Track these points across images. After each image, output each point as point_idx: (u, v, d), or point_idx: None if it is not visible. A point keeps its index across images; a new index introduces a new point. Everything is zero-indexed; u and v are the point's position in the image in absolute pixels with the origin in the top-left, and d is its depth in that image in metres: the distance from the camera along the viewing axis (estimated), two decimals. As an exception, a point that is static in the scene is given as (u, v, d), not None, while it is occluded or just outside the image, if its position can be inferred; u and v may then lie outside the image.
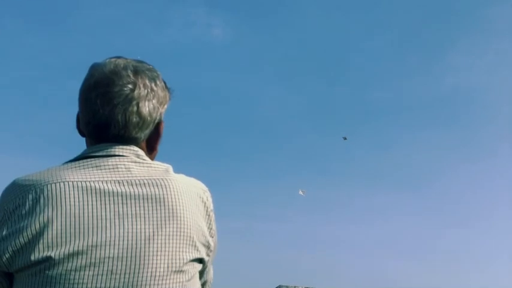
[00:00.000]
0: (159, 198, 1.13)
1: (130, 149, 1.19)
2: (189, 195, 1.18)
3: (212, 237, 1.23)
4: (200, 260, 1.20)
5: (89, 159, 1.16)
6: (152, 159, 1.28)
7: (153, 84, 1.22)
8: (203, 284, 1.35)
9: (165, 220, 1.11)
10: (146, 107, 1.19)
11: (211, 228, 1.23)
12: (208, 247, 1.21)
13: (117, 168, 1.15)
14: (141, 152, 1.21)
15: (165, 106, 1.27)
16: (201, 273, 1.28)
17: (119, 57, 1.24)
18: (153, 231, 1.09)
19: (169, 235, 1.11)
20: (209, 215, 1.23)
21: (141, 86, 1.19)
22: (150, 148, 1.27)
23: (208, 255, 1.22)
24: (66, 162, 1.17)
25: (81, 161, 1.16)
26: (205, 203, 1.22)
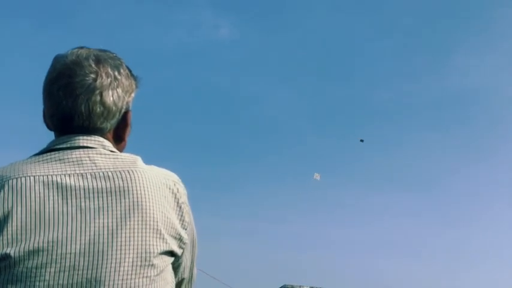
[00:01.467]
0: (123, 190, 1.09)
1: (95, 140, 1.16)
2: (157, 186, 1.14)
3: (185, 229, 1.19)
4: (171, 253, 1.16)
5: (52, 153, 1.13)
6: (121, 150, 1.25)
7: (116, 73, 1.19)
8: (180, 282, 1.30)
9: (129, 213, 1.08)
10: (110, 96, 1.17)
11: (183, 220, 1.18)
12: (180, 239, 1.17)
13: (81, 161, 1.12)
14: (107, 143, 1.18)
15: (132, 95, 1.24)
16: (177, 269, 1.25)
17: (81, 48, 1.21)
18: (117, 225, 1.06)
19: (134, 228, 1.07)
20: (180, 207, 1.19)
21: (104, 75, 1.16)
22: (118, 138, 1.24)
23: (181, 247, 1.19)
24: (31, 156, 1.15)
25: (45, 155, 1.13)
26: (175, 195, 1.18)
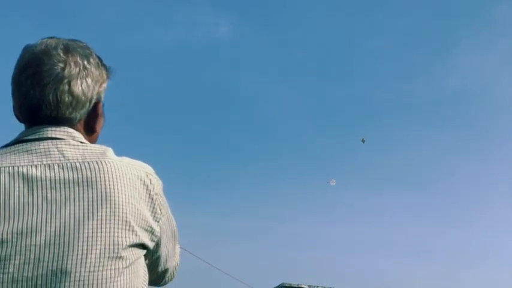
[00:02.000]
0: (91, 181, 1.07)
1: (64, 131, 1.14)
2: (127, 177, 1.12)
3: (157, 221, 1.17)
4: (142, 246, 1.13)
5: (20, 144, 1.12)
6: (93, 141, 1.23)
7: (85, 62, 1.17)
8: (164, 272, 1.30)
9: (97, 204, 1.06)
10: (79, 86, 1.15)
11: (155, 213, 1.16)
12: (151, 232, 1.15)
13: (49, 151, 1.10)
14: (77, 134, 1.16)
15: (104, 85, 1.22)
16: (157, 260, 1.24)
17: (51, 38, 1.19)
18: (84, 216, 1.04)
19: (102, 219, 1.05)
20: (152, 198, 1.16)
21: (72, 64, 1.15)
22: (90, 130, 1.22)
23: (152, 240, 1.16)
24: (0, 148, 1.13)
25: (13, 146, 1.12)
26: (147, 186, 1.15)
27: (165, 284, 1.38)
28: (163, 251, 1.24)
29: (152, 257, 1.22)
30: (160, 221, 1.18)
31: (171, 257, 1.31)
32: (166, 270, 1.31)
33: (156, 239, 1.18)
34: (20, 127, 1.19)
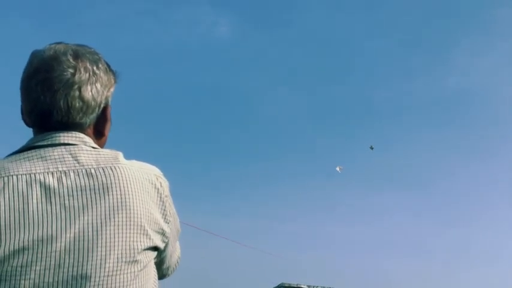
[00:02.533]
0: (107, 187, 1.09)
1: (76, 136, 1.16)
2: (140, 182, 1.14)
3: (168, 223, 1.20)
4: (154, 248, 1.17)
5: (33, 150, 1.12)
6: (102, 145, 1.25)
7: (94, 67, 1.18)
8: (167, 268, 1.34)
9: (113, 210, 1.08)
10: (89, 91, 1.16)
11: (166, 215, 1.19)
12: (163, 234, 1.18)
13: (63, 158, 1.11)
14: (88, 139, 1.18)
15: (111, 89, 1.23)
16: (162, 260, 1.27)
17: (59, 43, 1.20)
18: (102, 222, 1.06)
19: (118, 225, 1.08)
20: (163, 201, 1.19)
21: (82, 69, 1.16)
22: (99, 133, 1.24)
23: (164, 241, 1.20)
24: (11, 154, 1.14)
25: (25, 153, 1.12)
26: (158, 189, 1.18)
27: (165, 277, 1.41)
28: (168, 250, 1.28)
29: (160, 256, 1.25)
30: (170, 223, 1.22)
31: (174, 253, 1.34)
32: (169, 266, 1.35)
33: (166, 240, 1.22)
34: (20, 129, 1.20)
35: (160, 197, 1.19)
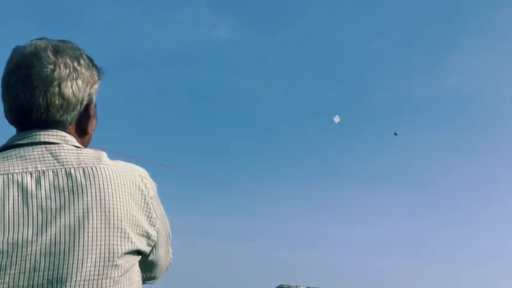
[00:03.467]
0: (85, 188, 1.05)
1: (57, 135, 1.13)
2: (121, 183, 1.10)
3: (153, 225, 1.16)
4: (138, 252, 1.12)
5: (13, 149, 1.10)
6: (86, 143, 1.22)
7: (75, 63, 1.15)
8: (157, 272, 1.30)
9: (91, 211, 1.04)
10: (69, 88, 1.13)
11: (151, 217, 1.15)
12: (147, 237, 1.14)
13: (43, 157, 1.08)
14: (70, 138, 1.14)
15: (95, 86, 1.19)
16: (152, 264, 1.24)
17: (41, 39, 1.17)
18: (79, 224, 1.03)
19: (96, 227, 1.04)
20: (148, 203, 1.15)
21: (62, 65, 1.13)
22: (82, 131, 1.20)
23: (149, 245, 1.16)
24: None
25: (5, 152, 1.10)
26: (142, 191, 1.14)
27: (154, 281, 1.36)
28: (159, 254, 1.24)
29: (148, 259, 1.21)
30: (156, 225, 1.17)
31: (165, 257, 1.30)
32: (159, 271, 1.31)
33: (152, 243, 1.17)
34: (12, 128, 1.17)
35: (145, 199, 1.14)
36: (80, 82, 1.15)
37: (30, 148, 1.10)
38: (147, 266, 1.24)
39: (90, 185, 1.06)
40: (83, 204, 1.04)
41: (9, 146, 1.12)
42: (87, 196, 1.05)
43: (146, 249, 1.15)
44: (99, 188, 1.07)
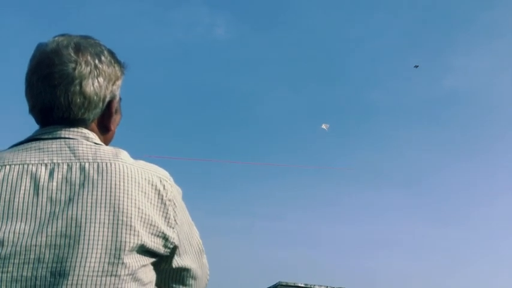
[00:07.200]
0: (97, 183, 1.04)
1: (77, 131, 1.13)
2: (136, 181, 1.08)
3: (172, 227, 1.11)
4: (151, 253, 1.09)
5: (34, 142, 1.11)
6: (109, 139, 1.22)
7: (96, 61, 1.14)
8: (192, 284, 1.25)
9: (100, 206, 1.02)
10: (91, 86, 1.13)
11: (169, 218, 1.11)
12: (165, 238, 1.10)
13: (61, 150, 1.09)
14: (91, 135, 1.14)
15: (117, 82, 1.19)
16: (182, 273, 1.20)
17: (63, 35, 1.17)
18: (86, 218, 1.01)
19: (104, 223, 1.01)
20: (165, 204, 1.11)
21: (83, 63, 1.12)
22: (104, 128, 1.20)
23: (167, 247, 1.12)
24: (15, 145, 1.13)
25: (25, 144, 1.11)
26: (158, 191, 1.10)
27: None
28: (186, 261, 1.19)
29: (172, 265, 1.17)
30: (175, 228, 1.13)
31: (198, 268, 1.25)
32: (197, 284, 1.27)
33: (171, 246, 1.13)
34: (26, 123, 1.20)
35: (162, 199, 1.11)
36: (101, 80, 1.15)
37: (49, 141, 1.11)
38: (178, 275, 1.20)
39: (102, 179, 1.05)
40: (91, 198, 1.03)
41: (31, 139, 1.13)
42: (97, 190, 1.04)
43: (162, 250, 1.11)
44: (111, 183, 1.05)
